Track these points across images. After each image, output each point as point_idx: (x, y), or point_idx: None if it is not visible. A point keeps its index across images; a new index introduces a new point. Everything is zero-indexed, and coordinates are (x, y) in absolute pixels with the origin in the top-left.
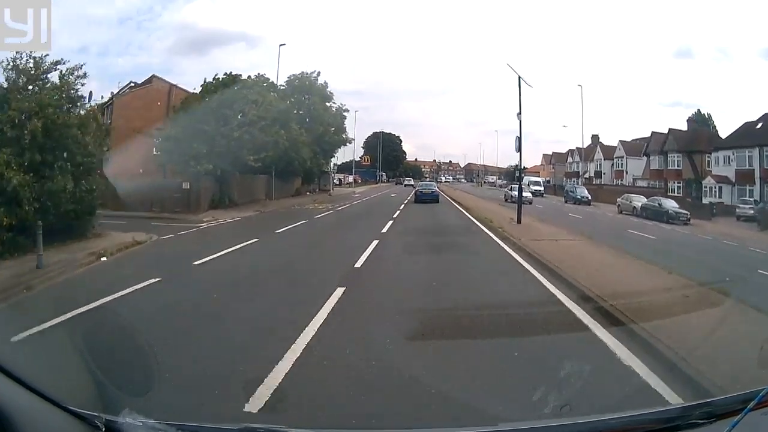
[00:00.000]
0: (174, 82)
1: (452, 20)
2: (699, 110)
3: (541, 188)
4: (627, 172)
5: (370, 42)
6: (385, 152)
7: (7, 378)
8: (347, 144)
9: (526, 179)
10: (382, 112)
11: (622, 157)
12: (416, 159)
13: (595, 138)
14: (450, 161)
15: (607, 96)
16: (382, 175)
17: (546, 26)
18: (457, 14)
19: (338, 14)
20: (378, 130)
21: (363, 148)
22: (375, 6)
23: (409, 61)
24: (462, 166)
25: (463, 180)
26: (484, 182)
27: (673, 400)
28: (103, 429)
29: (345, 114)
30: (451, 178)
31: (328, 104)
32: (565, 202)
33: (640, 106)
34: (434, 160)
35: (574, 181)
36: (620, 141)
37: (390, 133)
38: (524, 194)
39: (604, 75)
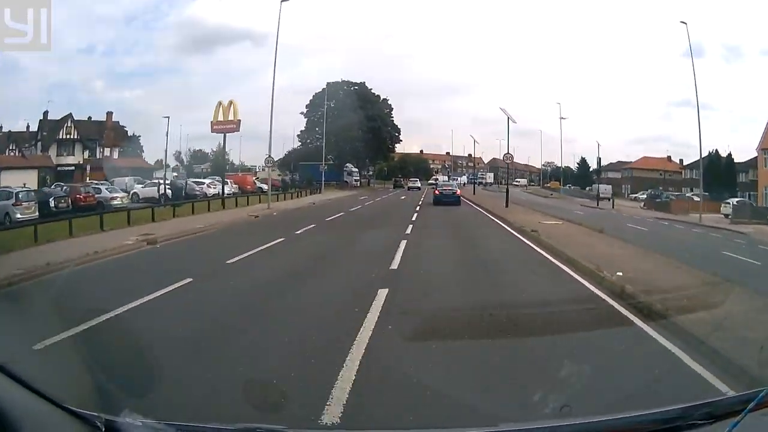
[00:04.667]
0: None
1: (462, 17)
2: None
3: None
4: None
5: (376, 40)
6: (352, 120)
7: (7, 378)
8: None
9: None
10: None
11: None
12: (422, 151)
13: None
14: (470, 154)
15: (610, 97)
16: (348, 173)
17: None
18: (466, 12)
19: (345, 12)
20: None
21: (303, 115)
22: (381, 4)
23: (416, 59)
24: (486, 162)
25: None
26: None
27: None
28: (103, 429)
29: None
30: (462, 178)
31: None
32: None
33: (648, 105)
34: (447, 153)
35: None
36: None
37: (362, 84)
38: None
39: (607, 75)
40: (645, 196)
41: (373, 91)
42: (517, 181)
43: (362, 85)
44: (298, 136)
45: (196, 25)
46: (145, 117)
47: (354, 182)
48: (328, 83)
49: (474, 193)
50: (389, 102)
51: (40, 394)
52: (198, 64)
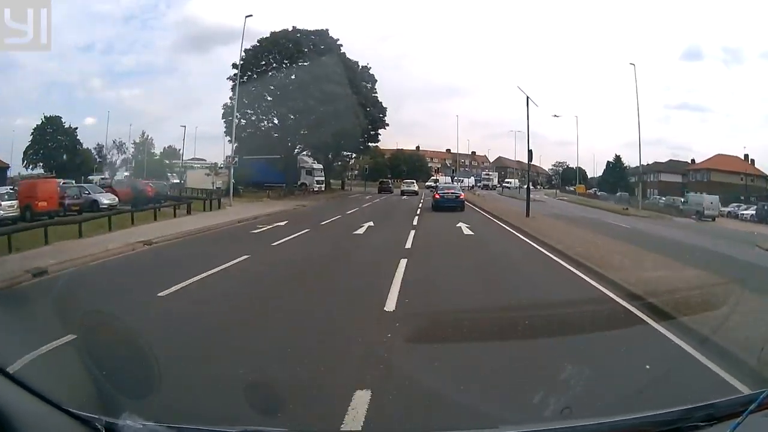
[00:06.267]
0: None
1: (463, 19)
2: None
3: None
4: None
5: (377, 40)
6: (310, 89)
7: (8, 380)
8: None
9: None
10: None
11: None
12: (418, 147)
13: None
14: (474, 152)
15: (607, 99)
16: (307, 171)
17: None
18: (464, 14)
19: (344, 14)
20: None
21: (230, 79)
22: (379, 5)
23: (416, 62)
24: (491, 161)
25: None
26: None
27: None
28: (104, 431)
29: None
30: (469, 180)
31: None
32: None
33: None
34: (448, 150)
35: None
36: None
37: (323, 32)
38: None
39: (604, 77)
40: (753, 211)
41: (343, 49)
42: (507, 182)
43: (324, 33)
44: (222, 117)
45: (193, 23)
46: (143, 115)
47: (316, 185)
48: (272, 33)
49: (528, 215)
50: (371, 71)
51: (41, 397)
52: (195, 64)
